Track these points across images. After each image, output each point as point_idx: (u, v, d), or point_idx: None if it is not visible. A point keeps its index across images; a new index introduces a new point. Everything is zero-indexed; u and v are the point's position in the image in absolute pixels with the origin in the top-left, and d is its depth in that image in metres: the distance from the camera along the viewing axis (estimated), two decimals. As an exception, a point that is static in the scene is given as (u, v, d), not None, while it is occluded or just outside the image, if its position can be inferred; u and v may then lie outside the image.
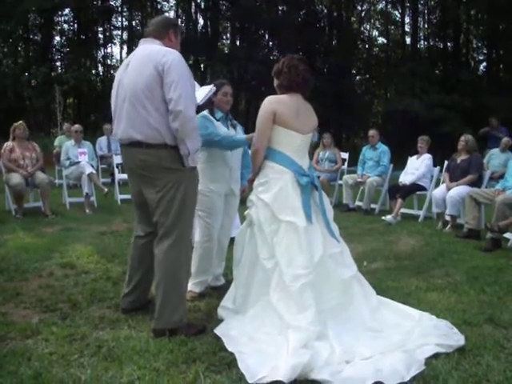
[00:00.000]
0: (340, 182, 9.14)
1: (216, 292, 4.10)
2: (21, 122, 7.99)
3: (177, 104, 3.01)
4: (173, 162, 3.16)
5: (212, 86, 3.85)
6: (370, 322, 3.23)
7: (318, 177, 8.27)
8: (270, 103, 3.36)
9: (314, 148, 9.02)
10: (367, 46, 28.85)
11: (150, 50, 3.19)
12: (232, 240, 3.88)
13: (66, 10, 24.83)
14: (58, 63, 26.31)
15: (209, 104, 3.95)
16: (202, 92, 3.72)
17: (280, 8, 24.71)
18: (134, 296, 3.58)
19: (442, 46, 25.81)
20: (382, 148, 8.63)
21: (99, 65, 27.79)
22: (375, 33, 30.19)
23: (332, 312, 3.18)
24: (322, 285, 3.20)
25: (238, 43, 26.05)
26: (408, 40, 26.54)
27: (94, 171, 8.63)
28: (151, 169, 3.19)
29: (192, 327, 3.27)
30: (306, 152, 3.52)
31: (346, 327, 3.13)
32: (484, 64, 26.24)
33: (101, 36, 27.06)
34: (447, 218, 6.91)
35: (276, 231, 3.24)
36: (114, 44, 28.46)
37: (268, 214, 3.29)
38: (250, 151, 3.89)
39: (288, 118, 3.34)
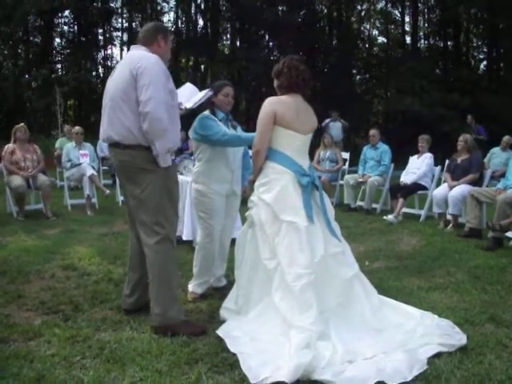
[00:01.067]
0: (341, 181, 9.13)
1: (218, 293, 4.10)
2: (22, 124, 7.99)
3: (145, 106, 3.11)
4: (147, 163, 3.25)
5: (208, 90, 3.87)
6: (372, 321, 3.23)
7: (319, 177, 8.31)
8: (270, 104, 3.37)
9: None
10: (367, 46, 28.82)
11: (132, 56, 3.33)
12: (233, 241, 3.88)
13: (66, 12, 24.86)
14: (59, 65, 26.33)
15: (210, 104, 3.96)
16: (197, 97, 3.74)
17: (280, 8, 24.69)
18: (134, 297, 3.60)
19: (442, 45, 25.80)
20: (383, 147, 8.63)
21: (99, 66, 27.84)
22: (375, 32, 30.20)
23: (334, 311, 3.18)
24: (324, 284, 3.20)
25: (238, 44, 26.05)
26: (408, 39, 26.56)
27: (95, 173, 8.64)
28: (128, 169, 3.33)
29: (191, 326, 3.30)
30: (306, 152, 3.53)
31: (347, 326, 3.13)
32: (484, 63, 26.27)
33: (101, 38, 27.07)
34: (449, 217, 6.90)
35: (277, 231, 3.24)
36: (114, 45, 28.46)
37: (269, 215, 3.29)
38: (250, 152, 3.90)
39: (288, 119, 3.34)
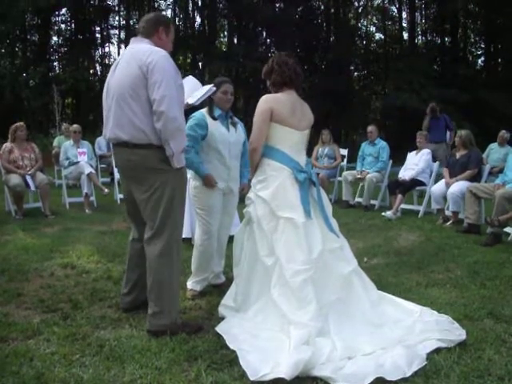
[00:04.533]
0: (339, 178, 9.13)
1: (216, 290, 4.11)
2: (22, 123, 7.96)
3: (160, 104, 3.00)
4: (159, 162, 3.14)
5: (211, 86, 3.83)
6: (372, 317, 3.23)
7: (318, 173, 8.31)
8: (266, 102, 3.37)
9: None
10: (365, 42, 28.83)
11: (136, 49, 3.18)
12: (232, 238, 3.88)
13: (63, 10, 24.83)
14: (56, 63, 26.32)
15: (209, 101, 3.94)
16: (200, 92, 3.70)
17: (277, 5, 24.68)
18: (132, 295, 3.58)
19: (439, 41, 25.82)
20: (381, 144, 8.64)
21: (97, 64, 27.80)
22: (373, 29, 30.19)
23: (333, 307, 3.18)
24: (323, 280, 3.20)
25: (235, 41, 26.03)
26: (405, 35, 26.57)
27: (94, 171, 8.62)
28: (137, 169, 3.19)
29: (187, 326, 3.26)
30: (302, 148, 3.54)
31: (347, 322, 3.13)
32: (482, 59, 26.28)
33: (98, 35, 27.07)
34: (448, 213, 6.91)
35: (275, 228, 3.25)
36: (112, 43, 28.43)
37: (267, 211, 3.30)
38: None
39: (285, 116, 3.35)
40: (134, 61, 3.09)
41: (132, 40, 3.34)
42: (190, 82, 3.79)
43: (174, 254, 3.25)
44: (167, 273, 3.21)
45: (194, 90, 3.70)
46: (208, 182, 3.86)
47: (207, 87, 3.77)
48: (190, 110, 3.76)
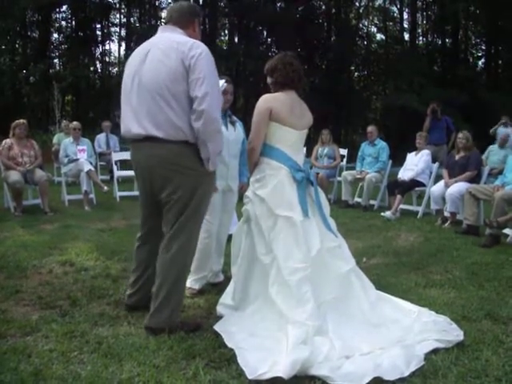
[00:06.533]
0: (339, 178, 9.14)
1: (215, 288, 4.11)
2: (23, 121, 7.94)
3: (201, 103, 2.84)
4: (192, 162, 3.00)
5: (224, 81, 3.81)
6: (370, 316, 3.23)
7: (317, 173, 8.32)
8: (265, 102, 3.37)
9: None
10: (366, 43, 28.80)
11: (174, 39, 2.97)
12: (230, 236, 3.88)
13: (64, 7, 24.80)
14: (56, 60, 26.31)
15: None
16: None
17: (278, 4, 24.67)
18: (139, 295, 3.51)
19: (440, 42, 25.80)
20: (381, 144, 8.64)
21: (97, 62, 27.76)
22: (373, 29, 30.18)
23: (331, 306, 3.18)
24: (320, 279, 3.20)
25: (236, 40, 26.01)
26: (406, 36, 26.55)
27: (93, 168, 8.62)
28: (167, 166, 3.00)
29: (185, 325, 3.24)
30: (301, 148, 3.55)
31: (345, 321, 3.13)
32: (483, 60, 26.26)
33: (99, 33, 27.05)
34: (446, 214, 6.91)
35: (273, 226, 3.25)
36: (112, 41, 28.40)
37: (264, 210, 3.30)
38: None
39: (284, 115, 3.35)
40: (173, 52, 2.91)
41: (162, 28, 3.16)
42: None
43: (189, 255, 3.20)
44: (180, 275, 3.17)
45: None
46: None
47: (220, 82, 3.76)
48: None
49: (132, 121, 3.06)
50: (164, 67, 2.91)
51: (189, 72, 2.87)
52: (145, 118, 2.99)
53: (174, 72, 2.88)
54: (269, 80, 3.53)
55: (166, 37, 3.03)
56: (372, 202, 8.47)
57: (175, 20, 3.11)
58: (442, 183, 7.13)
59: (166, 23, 3.18)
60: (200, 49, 2.92)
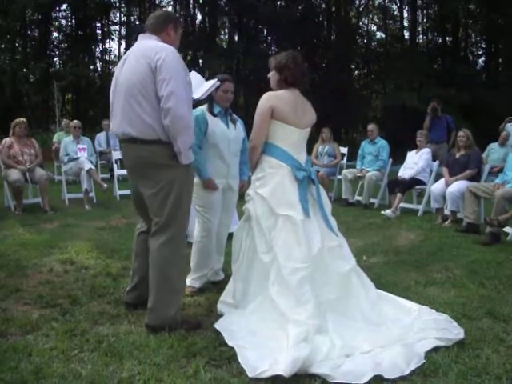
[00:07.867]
0: (339, 176, 9.14)
1: (216, 287, 4.11)
2: (23, 119, 7.94)
3: (167, 101, 3.01)
4: (167, 158, 3.14)
5: (216, 80, 3.82)
6: (370, 315, 3.23)
7: (318, 171, 8.32)
8: (267, 100, 3.36)
9: None
10: (366, 41, 28.75)
11: (145, 46, 3.19)
12: (230, 235, 3.88)
13: (64, 6, 24.76)
14: (56, 59, 26.33)
15: (209, 98, 3.93)
16: (205, 87, 3.69)
17: (278, 3, 24.64)
18: (137, 291, 3.54)
19: (440, 41, 25.76)
20: (381, 142, 8.63)
21: (97, 60, 27.75)
22: (373, 27, 30.13)
23: (331, 305, 3.19)
24: (321, 278, 3.21)
25: (236, 38, 25.97)
26: (406, 34, 26.49)
27: (93, 167, 8.62)
28: (146, 165, 3.19)
29: (186, 323, 3.26)
30: (303, 146, 3.53)
31: (345, 320, 3.14)
32: (483, 58, 26.22)
33: (99, 32, 27.02)
34: (447, 212, 6.91)
35: (273, 225, 3.25)
36: (112, 39, 28.47)
37: (265, 208, 3.29)
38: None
39: (286, 114, 3.34)
40: (142, 57, 3.11)
41: (140, 36, 3.35)
42: (194, 77, 3.77)
43: (176, 249, 3.24)
44: (169, 268, 3.20)
45: (198, 85, 3.69)
46: (207, 186, 3.88)
47: (211, 82, 3.77)
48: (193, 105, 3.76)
49: (113, 122, 3.34)
50: (134, 72, 3.14)
51: (155, 74, 3.06)
52: (121, 118, 3.22)
53: (143, 75, 3.09)
54: (274, 76, 3.48)
55: (142, 44, 3.26)
56: (372, 200, 8.46)
57: (150, 28, 3.31)
58: (442, 181, 7.13)
59: (144, 32, 3.37)
60: (165, 51, 3.10)
